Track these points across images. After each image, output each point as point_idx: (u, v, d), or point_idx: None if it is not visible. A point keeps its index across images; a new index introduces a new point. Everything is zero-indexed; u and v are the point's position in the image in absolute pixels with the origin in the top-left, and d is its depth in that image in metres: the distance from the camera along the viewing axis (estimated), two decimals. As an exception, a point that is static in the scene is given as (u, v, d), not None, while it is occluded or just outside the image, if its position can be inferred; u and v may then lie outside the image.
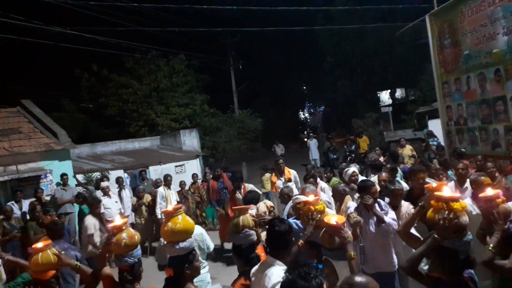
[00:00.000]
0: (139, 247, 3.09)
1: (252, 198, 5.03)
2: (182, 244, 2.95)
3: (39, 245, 3.12)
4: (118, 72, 19.15)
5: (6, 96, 15.88)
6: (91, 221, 6.42)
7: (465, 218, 2.56)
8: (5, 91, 18.21)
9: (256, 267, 2.91)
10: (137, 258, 3.03)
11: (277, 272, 2.64)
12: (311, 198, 3.36)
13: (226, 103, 21.92)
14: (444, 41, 8.86)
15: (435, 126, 11.79)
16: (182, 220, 3.03)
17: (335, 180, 7.24)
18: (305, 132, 34.38)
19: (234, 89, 22.13)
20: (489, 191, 2.97)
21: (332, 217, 2.90)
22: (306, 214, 3.22)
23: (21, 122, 11.88)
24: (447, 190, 2.78)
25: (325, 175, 8.46)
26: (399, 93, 30.64)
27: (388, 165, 6.44)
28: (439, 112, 9.57)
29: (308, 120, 48.30)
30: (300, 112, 47.74)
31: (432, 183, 3.69)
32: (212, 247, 4.87)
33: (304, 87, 44.57)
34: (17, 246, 6.80)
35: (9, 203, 8.42)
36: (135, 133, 18.81)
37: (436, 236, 2.56)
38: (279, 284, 2.29)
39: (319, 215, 3.16)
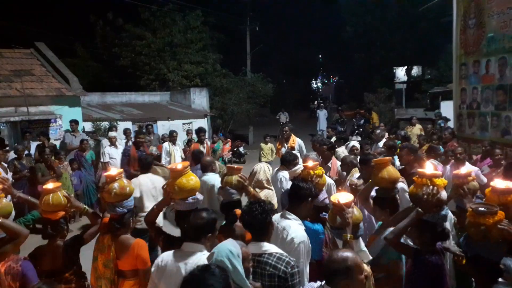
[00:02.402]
0: (131, 198, 3.17)
1: (290, 157, 4.99)
2: (199, 196, 3.01)
3: (50, 186, 3.08)
4: (133, 22, 18.87)
5: (21, 37, 15.82)
6: None
7: (444, 193, 2.78)
8: (19, 31, 18.11)
9: (274, 216, 2.99)
10: (127, 208, 3.12)
11: (292, 223, 2.98)
12: (310, 163, 3.53)
13: (239, 64, 21.56)
14: (469, 21, 8.56)
15: (447, 107, 11.63)
16: (194, 177, 3.03)
17: (342, 153, 7.25)
18: (316, 102, 34.03)
19: (248, 51, 21.68)
20: (463, 170, 3.17)
21: (340, 195, 2.91)
22: (306, 178, 3.38)
23: (34, 65, 11.92)
24: (430, 167, 2.93)
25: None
26: (415, 70, 29.92)
27: (391, 143, 6.43)
28: (453, 94, 9.42)
29: (320, 90, 47.73)
30: (313, 81, 47.12)
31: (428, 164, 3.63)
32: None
33: (320, 56, 43.64)
34: (25, 185, 7.05)
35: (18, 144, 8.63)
36: (146, 86, 18.80)
37: (419, 209, 2.76)
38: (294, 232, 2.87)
39: (318, 179, 3.38)
